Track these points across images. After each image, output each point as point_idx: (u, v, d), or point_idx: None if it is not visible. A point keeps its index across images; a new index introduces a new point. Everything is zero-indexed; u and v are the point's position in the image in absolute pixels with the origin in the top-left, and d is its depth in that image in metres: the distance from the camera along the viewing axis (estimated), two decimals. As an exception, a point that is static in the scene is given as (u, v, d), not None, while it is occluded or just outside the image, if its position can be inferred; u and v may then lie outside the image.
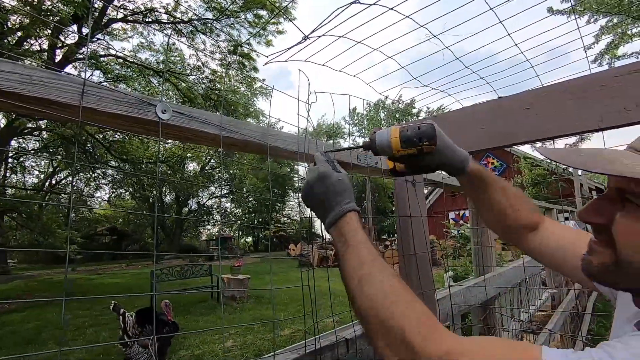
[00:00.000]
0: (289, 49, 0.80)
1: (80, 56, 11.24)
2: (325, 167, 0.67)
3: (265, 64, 0.89)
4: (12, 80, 0.48)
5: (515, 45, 0.91)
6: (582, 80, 1.04)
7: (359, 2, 0.67)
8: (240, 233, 31.28)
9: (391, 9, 0.69)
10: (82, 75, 0.57)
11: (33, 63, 9.78)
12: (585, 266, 0.54)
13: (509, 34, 0.86)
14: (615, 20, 9.19)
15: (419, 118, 1.30)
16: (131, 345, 3.92)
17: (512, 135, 1.15)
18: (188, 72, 13.70)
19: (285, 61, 0.84)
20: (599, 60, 9.78)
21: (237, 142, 0.79)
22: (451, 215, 19.31)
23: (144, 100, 0.62)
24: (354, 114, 28.47)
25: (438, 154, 0.70)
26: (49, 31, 9.05)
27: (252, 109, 15.99)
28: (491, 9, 0.76)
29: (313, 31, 0.75)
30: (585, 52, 1.00)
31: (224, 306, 7.95)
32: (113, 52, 12.01)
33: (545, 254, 0.67)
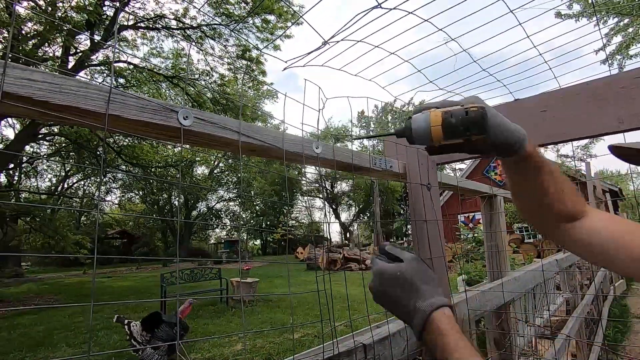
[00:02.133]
0: (308, 54, 0.80)
1: (94, 62, 11.45)
2: (383, 267, 0.59)
3: (284, 69, 0.89)
4: (43, 90, 0.49)
5: (534, 47, 0.90)
6: (600, 81, 1.03)
7: (380, 7, 0.67)
8: (248, 236, 31.35)
9: (411, 12, 0.69)
10: (108, 81, 0.58)
11: (48, 70, 9.98)
12: None
13: (528, 36, 0.86)
14: (626, 21, 9.06)
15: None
16: (143, 349, 3.97)
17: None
18: (197, 76, 13.84)
19: (304, 66, 0.85)
20: (610, 60, 9.65)
21: (255, 147, 0.80)
22: (461, 218, 19.13)
23: (166, 107, 0.63)
24: (361, 117, 28.45)
25: (490, 136, 0.59)
26: (63, 38, 9.24)
27: (259, 113, 16.08)
28: (511, 11, 0.76)
29: (332, 36, 0.75)
30: (605, 52, 0.98)
31: (233, 309, 7.97)
32: (124, 58, 12.20)
33: (595, 245, 0.59)
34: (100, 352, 5.18)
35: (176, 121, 0.63)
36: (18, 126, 15.33)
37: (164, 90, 14.76)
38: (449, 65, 1.12)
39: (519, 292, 2.03)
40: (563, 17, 9.02)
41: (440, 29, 0.77)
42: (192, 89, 13.60)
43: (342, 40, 0.77)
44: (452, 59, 1.16)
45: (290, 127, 0.86)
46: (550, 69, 1.00)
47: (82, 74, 11.71)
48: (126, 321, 4.11)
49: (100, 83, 0.57)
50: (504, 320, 1.88)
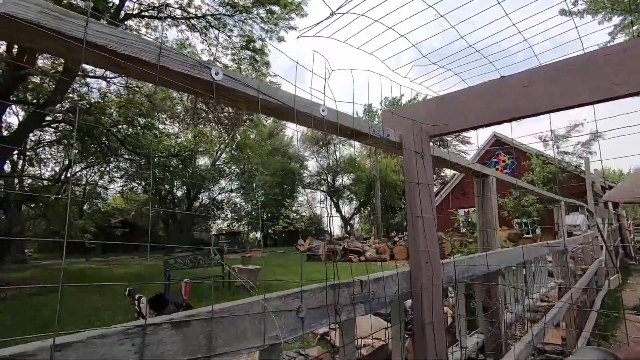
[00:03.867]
0: (317, 24, 0.93)
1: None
2: None
3: (298, 37, 1.02)
4: (112, 41, 0.62)
5: (520, 33, 1.03)
6: (577, 58, 1.16)
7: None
8: (249, 228, 31.58)
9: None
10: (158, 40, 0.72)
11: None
12: None
13: (514, 25, 0.98)
14: (630, 19, 9.10)
15: (428, 98, 1.43)
16: None
17: (511, 111, 1.26)
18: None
19: (313, 36, 0.98)
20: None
21: (272, 106, 0.93)
22: (461, 212, 19.30)
23: (202, 63, 0.76)
24: (369, 110, 28.42)
25: None
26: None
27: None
28: (498, 2, 0.88)
29: (340, 7, 0.88)
30: (578, 33, 1.11)
31: (234, 295, 8.17)
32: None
33: None
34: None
35: (209, 76, 0.77)
36: (22, 113, 15.44)
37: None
38: (441, 41, 1.25)
39: (506, 264, 2.17)
40: (568, 13, 9.06)
41: (431, 6, 0.89)
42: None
43: (347, 12, 0.90)
44: (446, 38, 1.29)
45: (299, 91, 0.99)
46: (530, 47, 1.13)
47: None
48: (137, 296, 4.30)
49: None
50: (492, 287, 2.03)
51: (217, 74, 0.78)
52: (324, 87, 1.06)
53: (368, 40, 1.06)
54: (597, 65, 1.11)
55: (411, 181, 1.29)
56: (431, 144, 1.51)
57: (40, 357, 0.48)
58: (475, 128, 1.38)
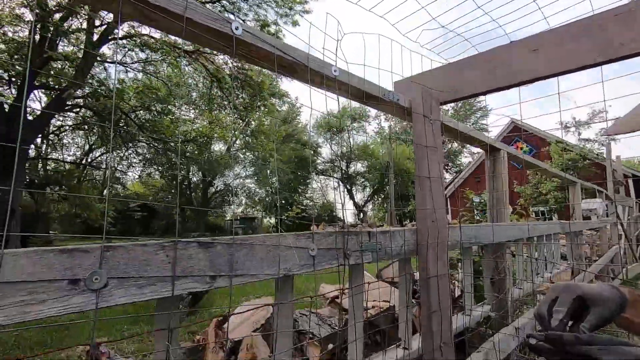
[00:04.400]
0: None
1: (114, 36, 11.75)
2: None
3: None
4: (146, -9, 0.70)
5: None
6: (584, 20, 1.17)
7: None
8: (263, 214, 32.01)
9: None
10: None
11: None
12: None
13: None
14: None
15: (438, 66, 1.47)
16: None
17: (519, 75, 1.29)
18: (215, 52, 13.98)
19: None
20: None
21: (286, 63, 1.00)
22: (476, 199, 19.06)
23: (224, 17, 0.83)
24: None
25: None
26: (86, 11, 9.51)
27: (277, 89, 16.21)
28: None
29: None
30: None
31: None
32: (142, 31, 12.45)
33: None
34: (126, 337, 5.63)
35: (230, 29, 0.84)
36: (45, 99, 15.91)
37: (182, 66, 14.99)
38: (451, 3, 1.28)
39: (513, 238, 2.21)
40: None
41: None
42: (212, 65, 13.81)
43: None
44: (464, 9, 1.32)
45: (313, 50, 1.05)
46: (539, 9, 1.15)
47: (104, 47, 12.05)
48: None
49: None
50: (500, 255, 2.08)
51: (237, 28, 0.85)
52: (336, 49, 1.11)
53: (379, 1, 1.10)
54: (603, 26, 1.13)
55: (419, 143, 1.35)
56: (441, 112, 1.55)
57: (92, 254, 0.58)
58: (484, 94, 1.42)
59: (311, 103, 1.01)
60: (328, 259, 0.98)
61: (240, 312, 1.76)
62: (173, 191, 28.42)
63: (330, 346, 1.52)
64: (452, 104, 30.64)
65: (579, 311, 0.63)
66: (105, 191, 26.86)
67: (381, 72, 1.30)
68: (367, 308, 1.79)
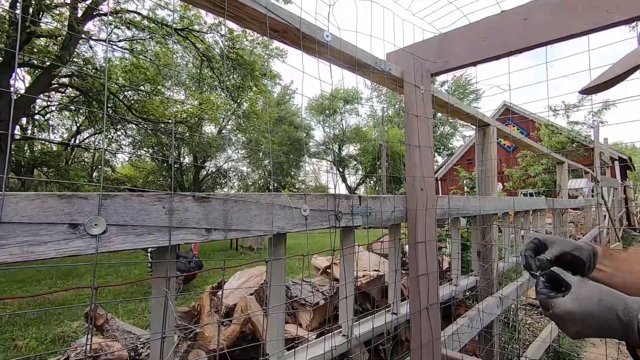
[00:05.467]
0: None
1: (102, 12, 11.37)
2: (568, 308, 0.54)
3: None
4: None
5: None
6: (573, -11, 1.19)
7: None
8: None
9: None
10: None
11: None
12: None
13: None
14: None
15: (430, 37, 1.48)
16: None
17: (510, 44, 1.31)
18: (205, 30, 13.64)
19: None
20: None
21: (279, 27, 1.00)
22: (466, 176, 19.29)
23: (215, -26, 0.82)
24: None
25: None
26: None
27: (268, 71, 15.94)
28: None
29: None
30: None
31: (242, 255, 8.52)
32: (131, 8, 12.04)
33: None
34: (127, 282, 5.69)
35: (221, -12, 0.83)
36: (28, 78, 15.43)
37: (171, 45, 14.63)
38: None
39: (499, 210, 2.28)
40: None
41: None
42: (202, 44, 13.48)
43: None
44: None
45: (305, 15, 1.05)
46: (530, -24, 1.16)
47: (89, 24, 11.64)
48: (149, 249, 4.55)
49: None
50: (487, 228, 2.15)
51: (228, -14, 0.84)
52: (329, 13, 1.11)
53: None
54: (593, -5, 1.14)
55: (410, 112, 1.37)
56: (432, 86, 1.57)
57: (91, 201, 0.59)
58: (474, 64, 1.43)
59: (303, 67, 1.02)
60: (320, 220, 1.01)
61: (235, 289, 1.81)
62: (164, 174, 28.20)
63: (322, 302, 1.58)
64: (446, 88, 30.53)
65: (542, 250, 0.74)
66: (94, 173, 26.50)
67: (373, 45, 1.30)
68: (358, 277, 1.85)
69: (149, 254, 5.08)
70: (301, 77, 1.02)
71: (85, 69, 12.52)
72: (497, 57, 1.37)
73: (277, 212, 0.89)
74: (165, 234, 0.68)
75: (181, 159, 29.37)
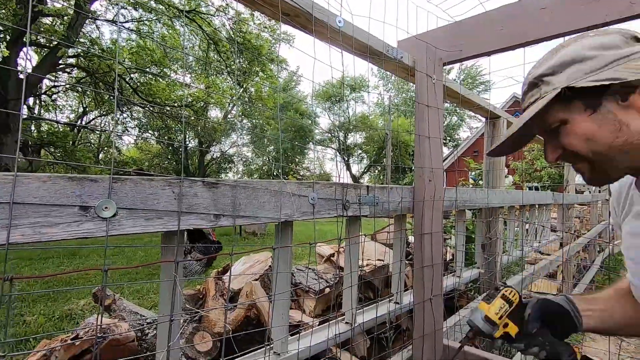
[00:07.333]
0: None
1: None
2: None
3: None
4: None
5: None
6: (596, -22, 1.14)
7: None
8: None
9: None
10: None
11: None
12: (592, 183, 0.66)
13: None
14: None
15: (444, 24, 1.45)
16: (185, 257, 4.64)
17: (526, 35, 1.27)
18: (212, 12, 13.46)
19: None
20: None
21: (290, 10, 0.98)
22: (472, 174, 19.20)
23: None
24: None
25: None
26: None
27: (275, 56, 15.76)
28: None
29: None
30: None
31: (245, 240, 8.60)
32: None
33: None
34: (136, 265, 5.79)
35: (234, -31, 0.81)
36: (35, 57, 15.40)
37: (179, 27, 14.48)
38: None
39: (506, 203, 2.26)
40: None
41: None
42: (209, 27, 13.33)
43: None
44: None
45: (318, -1, 1.02)
46: (552, -37, 1.11)
47: None
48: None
49: None
50: (491, 226, 2.14)
51: (241, -33, 0.82)
52: (342, -1, 1.08)
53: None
54: (616, -16, 1.10)
55: (421, 102, 1.34)
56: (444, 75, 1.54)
57: (101, 184, 0.59)
58: (488, 54, 1.40)
59: (315, 53, 1.00)
60: (327, 208, 1.01)
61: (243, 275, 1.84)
62: (169, 157, 28.33)
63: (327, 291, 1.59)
64: (453, 76, 30.04)
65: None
66: (101, 155, 26.65)
67: (385, 32, 1.27)
68: (362, 266, 1.86)
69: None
70: (309, 63, 1.00)
71: (92, 49, 12.45)
72: (513, 48, 1.34)
73: (284, 200, 0.89)
74: (174, 218, 0.68)
75: (187, 143, 29.46)
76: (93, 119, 25.02)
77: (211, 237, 5.81)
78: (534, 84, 0.64)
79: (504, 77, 1.44)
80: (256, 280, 1.50)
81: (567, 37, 1.27)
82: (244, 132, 29.06)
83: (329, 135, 32.11)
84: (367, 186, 1.14)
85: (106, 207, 0.59)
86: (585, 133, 0.59)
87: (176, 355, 0.79)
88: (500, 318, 0.71)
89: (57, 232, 0.54)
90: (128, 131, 26.72)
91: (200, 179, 0.71)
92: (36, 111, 19.92)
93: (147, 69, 14.31)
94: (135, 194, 0.63)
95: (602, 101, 0.57)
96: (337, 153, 31.13)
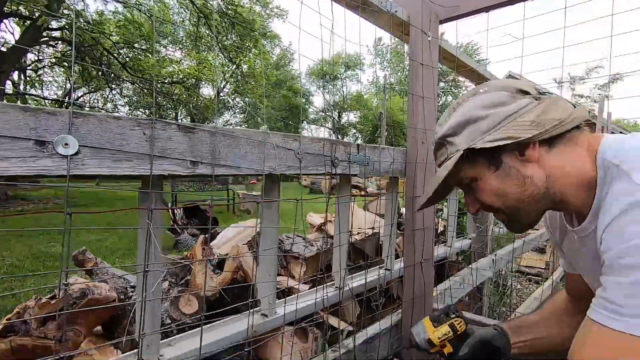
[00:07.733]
0: None
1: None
2: None
3: None
4: None
5: None
6: None
7: None
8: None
9: None
10: None
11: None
12: (512, 230, 0.68)
13: None
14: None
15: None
16: (181, 233, 4.62)
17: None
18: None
19: None
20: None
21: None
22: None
23: None
24: (378, 43, 26.99)
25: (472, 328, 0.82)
26: None
27: (268, 31, 15.33)
28: None
29: None
30: None
31: (238, 217, 8.60)
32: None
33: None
34: (120, 209, 5.76)
35: None
36: (18, 29, 14.79)
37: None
38: None
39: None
40: None
41: None
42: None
43: None
44: None
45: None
46: None
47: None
48: (169, 204, 4.91)
49: None
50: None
51: None
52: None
53: None
54: None
55: (415, 60, 1.28)
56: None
57: (59, 118, 0.54)
58: (487, 9, 1.33)
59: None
60: (315, 164, 0.96)
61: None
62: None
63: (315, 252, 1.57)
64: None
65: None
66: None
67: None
68: (353, 233, 1.83)
69: (170, 210, 5.29)
70: (302, 38, 0.93)
71: (76, 21, 11.95)
72: (513, 2, 1.27)
73: (269, 152, 0.84)
74: (146, 162, 0.62)
75: (179, 120, 28.97)
76: (81, 95, 24.39)
77: (208, 213, 5.91)
78: (441, 144, 0.66)
79: (504, 33, 1.38)
80: (245, 244, 1.47)
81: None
82: (237, 110, 28.61)
83: (323, 114, 31.79)
84: (358, 145, 1.09)
85: (66, 144, 0.54)
86: (494, 190, 0.61)
87: (157, 310, 0.76)
88: (441, 342, 0.79)
89: (8, 167, 0.49)
90: (118, 109, 26.17)
91: (174, 122, 0.66)
92: (21, 87, 19.33)
93: (136, 44, 13.86)
94: (100, 132, 0.58)
95: (503, 158, 0.60)
96: (331, 132, 30.93)
